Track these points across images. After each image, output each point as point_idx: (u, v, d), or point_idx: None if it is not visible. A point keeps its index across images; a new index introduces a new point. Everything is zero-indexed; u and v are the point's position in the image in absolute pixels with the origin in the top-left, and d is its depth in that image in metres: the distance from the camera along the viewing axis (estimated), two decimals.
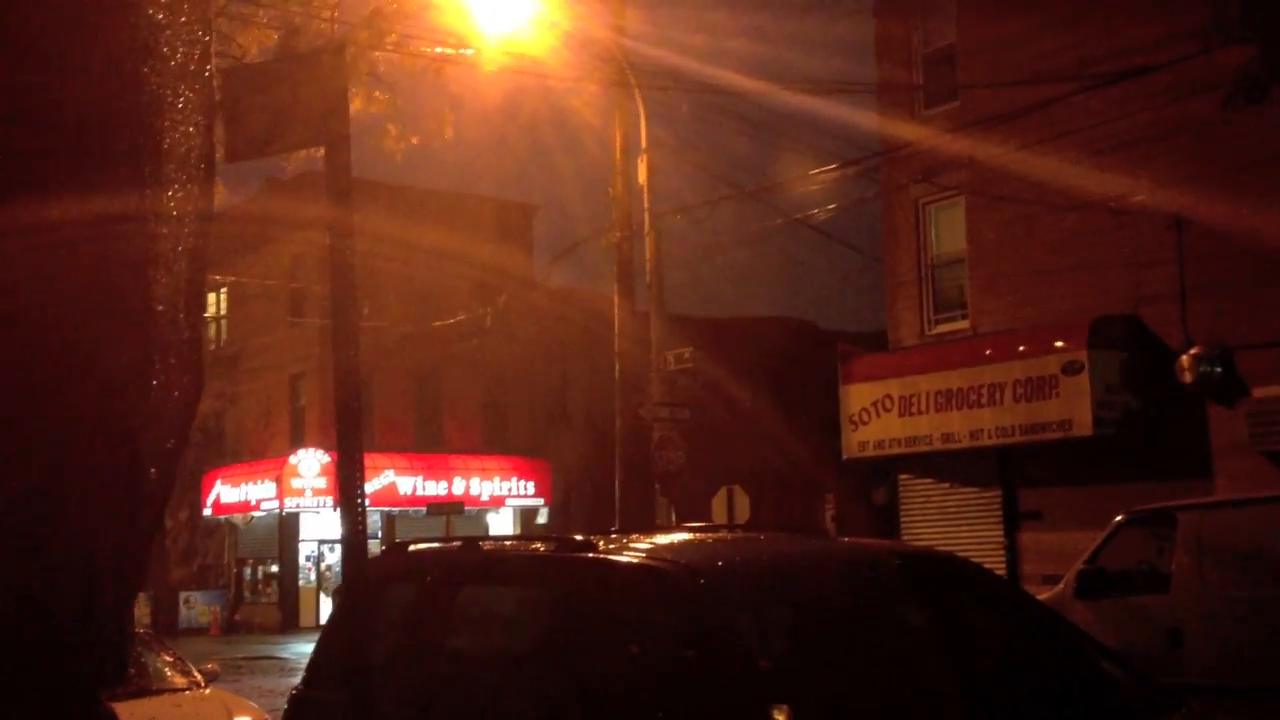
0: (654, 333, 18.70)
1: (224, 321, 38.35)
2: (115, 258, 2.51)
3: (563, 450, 37.60)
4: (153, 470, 2.47)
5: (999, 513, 17.67)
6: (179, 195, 2.56)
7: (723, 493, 19.98)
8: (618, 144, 18.19)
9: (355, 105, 10.16)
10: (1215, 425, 15.30)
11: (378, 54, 11.61)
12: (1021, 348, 16.50)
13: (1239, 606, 9.42)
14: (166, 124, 2.58)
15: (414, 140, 12.07)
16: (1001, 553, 17.30)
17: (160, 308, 2.56)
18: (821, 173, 18.56)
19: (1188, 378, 15.22)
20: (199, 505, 37.26)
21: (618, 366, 18.09)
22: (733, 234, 47.14)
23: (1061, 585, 10.86)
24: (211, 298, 36.40)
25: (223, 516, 36.72)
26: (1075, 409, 15.64)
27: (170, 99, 2.60)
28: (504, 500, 36.54)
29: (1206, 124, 12.72)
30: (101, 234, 2.48)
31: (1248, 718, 4.77)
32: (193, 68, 2.69)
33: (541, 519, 36.81)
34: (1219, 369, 15.12)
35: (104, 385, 2.44)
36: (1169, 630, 9.62)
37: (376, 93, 11.00)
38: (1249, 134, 14.03)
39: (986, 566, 5.94)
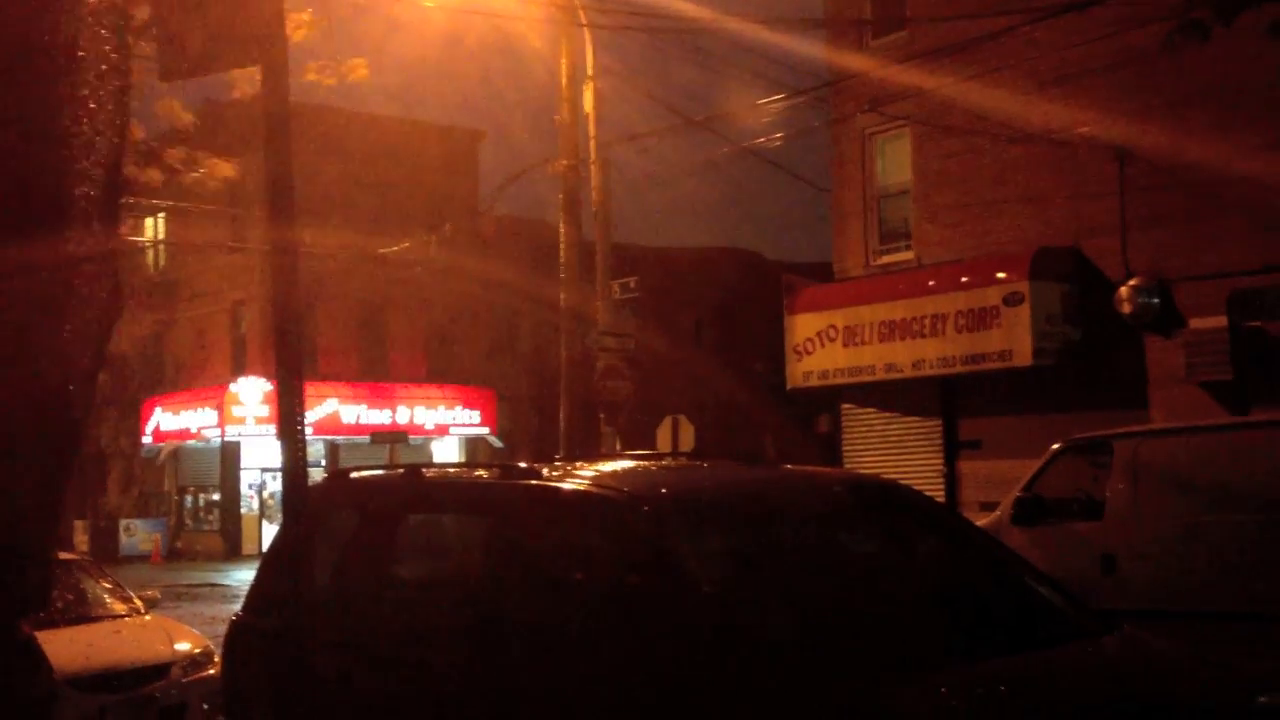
0: (600, 261, 18.60)
1: (162, 247, 37.60)
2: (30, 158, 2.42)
3: (508, 379, 37.52)
4: (71, 388, 2.41)
5: (940, 441, 17.91)
6: (91, 99, 2.47)
7: (667, 422, 20.06)
8: (564, 71, 17.91)
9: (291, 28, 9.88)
10: (1153, 356, 15.56)
11: None
12: (964, 279, 16.62)
13: (1171, 533, 9.63)
14: (79, 29, 2.48)
15: (329, 81, 11.78)
16: (941, 480, 17.57)
17: (74, 212, 2.48)
18: (769, 102, 18.45)
19: (1126, 309, 15.43)
20: (138, 433, 36.82)
21: (563, 295, 17.98)
22: (681, 164, 46.91)
23: (999, 512, 11.04)
24: (149, 223, 35.65)
25: (162, 444, 36.35)
26: (1016, 339, 15.82)
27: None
28: (448, 429, 36.46)
29: (1151, 57, 12.75)
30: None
31: (1176, 640, 4.90)
32: None
33: (497, 444, 36.75)
34: (1157, 300, 15.34)
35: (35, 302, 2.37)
36: (1102, 556, 9.83)
37: (305, 15, 10.65)
38: (1192, 68, 14.10)
39: (927, 494, 6.01)
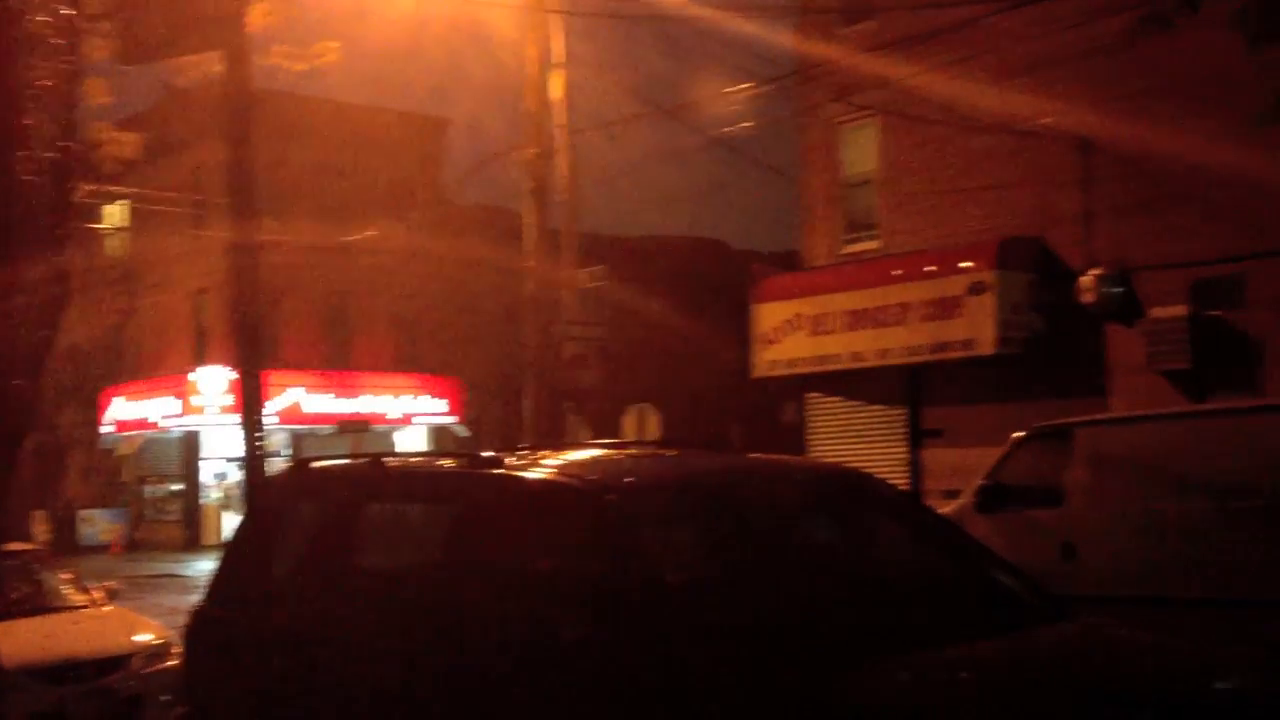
0: (566, 250, 18.56)
1: (124, 235, 37.17)
2: None
3: (475, 368, 37.37)
4: (14, 383, 2.37)
5: (904, 430, 17.99)
6: (40, 78, 2.43)
7: (634, 411, 20.07)
8: (532, 58, 17.81)
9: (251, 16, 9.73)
10: (1114, 344, 15.69)
11: None
12: (930, 268, 16.69)
13: (1130, 520, 9.71)
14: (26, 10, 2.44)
15: (299, 66, 11.60)
16: (906, 469, 17.66)
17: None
18: (736, 91, 18.42)
19: (1089, 298, 15.55)
20: (96, 423, 36.42)
21: (529, 284, 17.92)
22: (649, 152, 46.86)
23: (962, 500, 11.09)
24: (114, 210, 35.23)
25: (122, 434, 35.98)
26: (980, 328, 15.91)
27: None
28: (414, 418, 36.29)
29: (1115, 48, 12.83)
30: None
31: (1135, 626, 4.95)
32: None
33: (463, 433, 36.61)
34: (1119, 290, 15.46)
35: None
36: (1063, 543, 9.90)
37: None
38: (1156, 59, 14.19)
39: (891, 482, 6.03)
